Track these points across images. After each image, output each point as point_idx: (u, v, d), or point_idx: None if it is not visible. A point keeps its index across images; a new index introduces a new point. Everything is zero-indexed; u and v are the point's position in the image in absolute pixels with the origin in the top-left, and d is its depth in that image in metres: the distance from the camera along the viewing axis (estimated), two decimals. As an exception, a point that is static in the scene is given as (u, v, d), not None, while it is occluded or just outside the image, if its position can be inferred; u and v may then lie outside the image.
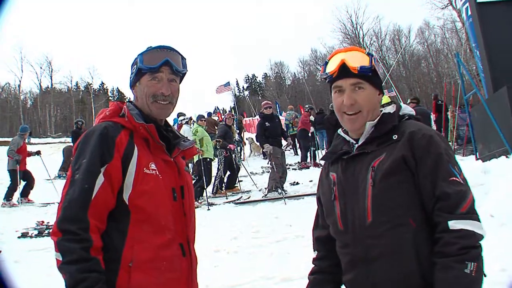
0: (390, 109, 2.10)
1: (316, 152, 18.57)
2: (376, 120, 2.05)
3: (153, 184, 2.05)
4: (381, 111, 2.11)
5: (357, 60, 2.03)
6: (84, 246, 1.84)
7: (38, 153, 14.90)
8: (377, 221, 1.91)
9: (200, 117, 13.83)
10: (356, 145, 2.08)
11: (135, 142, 2.08)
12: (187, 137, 2.46)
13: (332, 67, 2.07)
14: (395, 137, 1.98)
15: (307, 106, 20.87)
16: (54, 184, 13.89)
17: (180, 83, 2.29)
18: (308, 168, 16.49)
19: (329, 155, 2.20)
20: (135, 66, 2.21)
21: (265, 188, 11.99)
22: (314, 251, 2.29)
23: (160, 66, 2.17)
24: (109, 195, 1.97)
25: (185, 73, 2.30)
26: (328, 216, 2.14)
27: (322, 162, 2.32)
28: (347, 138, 2.14)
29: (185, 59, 2.29)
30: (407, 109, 2.12)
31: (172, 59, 2.20)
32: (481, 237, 1.78)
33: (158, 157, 2.14)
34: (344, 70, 2.02)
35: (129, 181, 2.01)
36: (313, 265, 2.27)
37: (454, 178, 1.85)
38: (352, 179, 2.02)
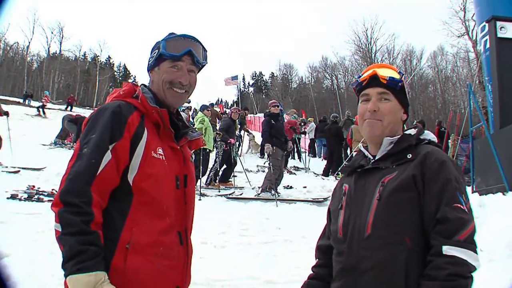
0: (412, 131, 2.14)
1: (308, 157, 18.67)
2: (395, 138, 2.09)
3: (159, 169, 2.05)
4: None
5: (388, 73, 2.14)
6: (86, 220, 1.83)
7: (6, 114, 13.89)
8: (375, 235, 1.94)
9: (205, 107, 13.80)
10: (372, 160, 2.13)
11: (146, 125, 2.08)
12: (195, 128, 2.46)
13: (364, 76, 2.17)
14: (409, 156, 2.01)
15: (300, 119, 20.85)
16: (49, 151, 13.81)
17: (197, 73, 2.31)
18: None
19: (347, 167, 2.26)
20: (157, 50, 2.21)
21: (259, 187, 11.97)
22: (315, 258, 2.33)
23: (183, 55, 2.19)
24: (114, 173, 1.96)
25: (205, 65, 2.31)
26: (332, 224, 2.19)
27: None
28: (366, 153, 2.20)
29: (207, 51, 2.31)
30: (430, 135, 2.15)
31: (195, 50, 2.22)
32: (474, 268, 1.77)
33: (166, 143, 2.14)
34: (374, 79, 2.13)
35: (135, 162, 2.01)
36: (312, 272, 2.31)
37: (458, 205, 1.85)
38: (361, 192, 2.06)
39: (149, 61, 2.26)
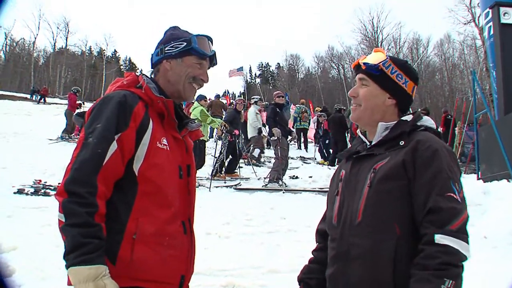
0: (408, 117, 2.11)
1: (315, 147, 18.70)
2: (390, 123, 2.08)
3: (164, 159, 2.06)
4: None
5: (370, 58, 2.14)
6: (90, 211, 1.82)
7: None
8: (365, 222, 1.93)
9: (201, 97, 13.73)
10: (368, 146, 2.13)
11: (150, 115, 2.08)
12: (195, 119, 2.50)
13: (353, 63, 2.23)
14: (401, 143, 1.99)
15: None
16: (56, 145, 13.85)
17: None
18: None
19: (345, 153, 2.27)
20: (185, 43, 2.22)
21: (264, 178, 11.99)
22: (315, 242, 2.34)
23: (210, 56, 2.29)
24: (120, 163, 1.96)
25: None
26: (328, 210, 2.20)
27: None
28: (363, 139, 2.19)
29: None
30: (428, 121, 2.10)
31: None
32: (465, 258, 1.76)
33: (169, 133, 2.15)
34: (357, 66, 2.18)
35: (141, 152, 2.01)
36: (312, 255, 2.31)
37: (451, 194, 1.83)
38: (355, 178, 2.06)
39: (168, 50, 2.24)
